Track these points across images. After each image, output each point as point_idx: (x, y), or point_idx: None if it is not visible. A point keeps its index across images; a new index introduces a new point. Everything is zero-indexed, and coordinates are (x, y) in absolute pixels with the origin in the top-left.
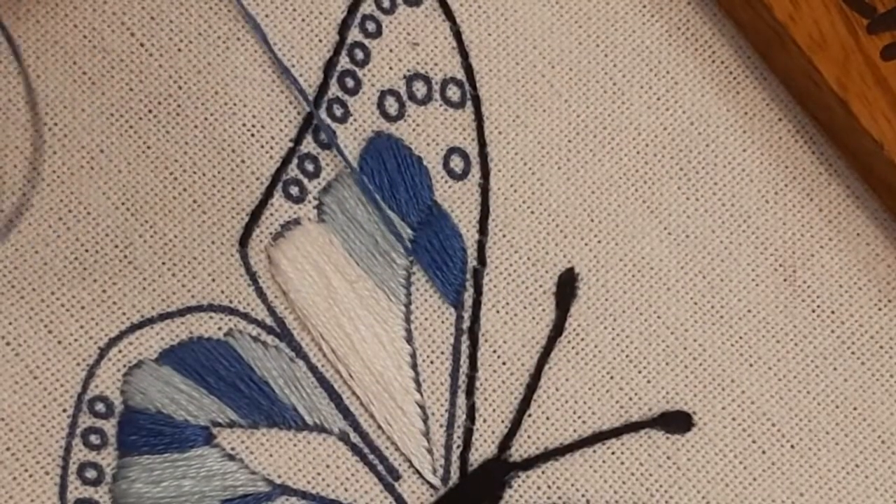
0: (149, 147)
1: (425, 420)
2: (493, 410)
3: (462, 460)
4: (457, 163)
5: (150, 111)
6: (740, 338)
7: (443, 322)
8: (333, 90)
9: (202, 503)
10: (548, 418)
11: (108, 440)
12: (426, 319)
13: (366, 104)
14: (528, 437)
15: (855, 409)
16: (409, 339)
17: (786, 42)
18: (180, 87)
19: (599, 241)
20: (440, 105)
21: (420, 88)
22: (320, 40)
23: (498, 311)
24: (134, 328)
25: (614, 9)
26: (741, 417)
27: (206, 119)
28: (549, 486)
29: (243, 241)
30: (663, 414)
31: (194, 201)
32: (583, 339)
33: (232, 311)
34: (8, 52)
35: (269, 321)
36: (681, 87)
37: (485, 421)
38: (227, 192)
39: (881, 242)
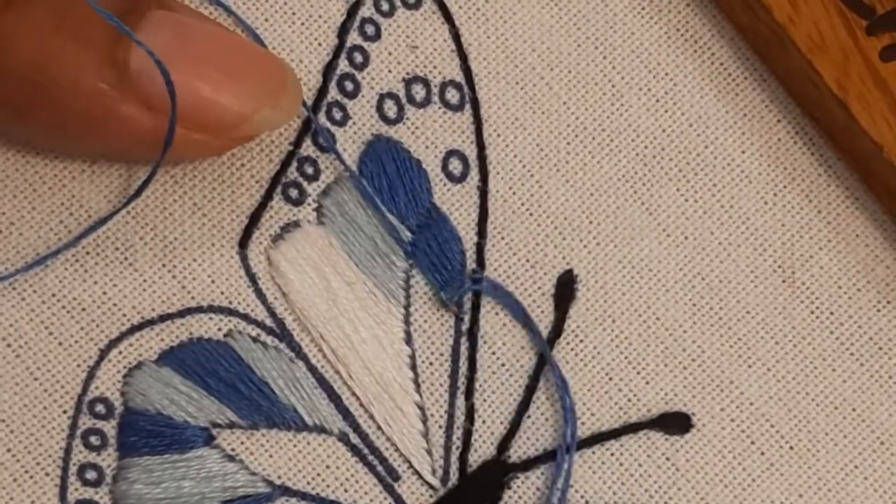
0: None
1: (424, 421)
2: (492, 412)
3: (461, 461)
4: (455, 165)
5: None
6: (739, 339)
7: (442, 324)
8: (332, 93)
9: None
10: (546, 420)
11: (108, 441)
12: (425, 321)
13: (365, 107)
14: (527, 438)
15: (854, 410)
16: (409, 341)
17: (785, 43)
18: None
19: (598, 244)
20: (439, 108)
21: (419, 91)
22: (319, 44)
23: (497, 314)
24: (134, 329)
25: (613, 11)
26: (740, 419)
27: None
28: (547, 488)
29: (243, 243)
30: (662, 415)
31: (194, 203)
32: (581, 341)
33: (232, 313)
34: None
35: (268, 322)
36: (680, 89)
37: (484, 422)
38: (227, 195)
39: (880, 244)
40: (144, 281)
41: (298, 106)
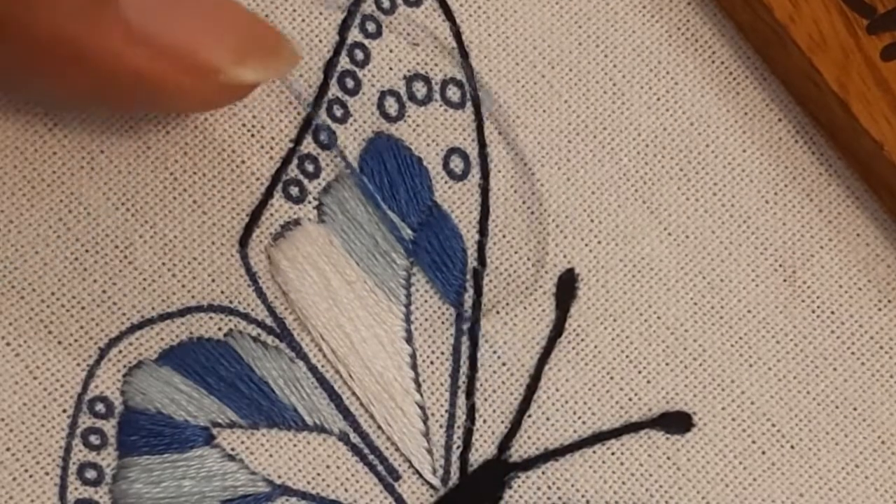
0: (149, 147)
1: (425, 420)
2: (493, 411)
3: (462, 461)
4: (457, 163)
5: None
6: (740, 338)
7: (443, 323)
8: (333, 90)
9: (202, 503)
10: (548, 419)
11: (108, 440)
12: (426, 320)
13: (366, 105)
14: (528, 437)
15: (855, 409)
16: (409, 340)
17: (786, 43)
18: None
19: (599, 242)
20: (440, 105)
21: (420, 89)
22: (320, 41)
23: (498, 312)
24: (134, 328)
25: (614, 9)
26: (741, 418)
27: (205, 119)
28: (548, 487)
29: (243, 242)
30: (663, 414)
31: (194, 201)
32: (583, 340)
33: (232, 312)
34: None
35: (269, 322)
36: (681, 87)
37: (485, 421)
38: (227, 193)
39: (881, 243)
40: (144, 280)
41: (291, 63)
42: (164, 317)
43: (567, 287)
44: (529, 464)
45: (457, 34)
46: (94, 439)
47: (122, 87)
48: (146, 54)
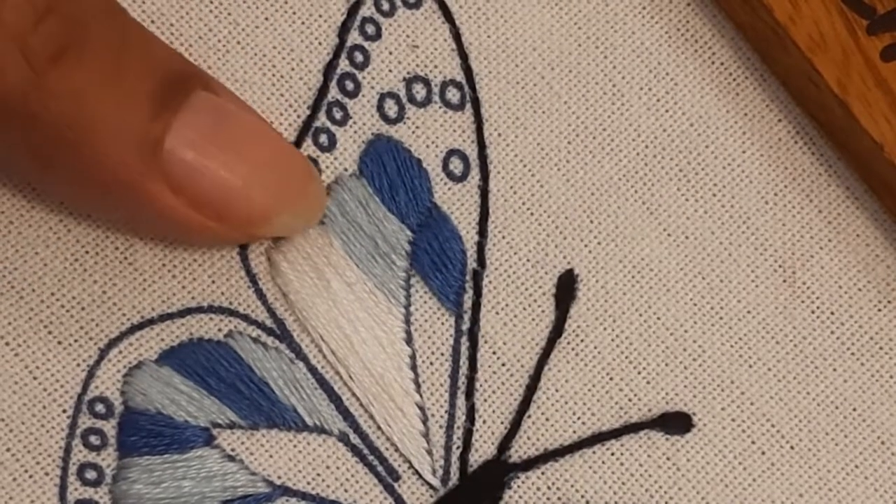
0: None
1: (425, 421)
2: (493, 411)
3: (462, 461)
4: (456, 165)
5: None
6: (740, 339)
7: (442, 324)
8: (333, 93)
9: None
10: (547, 419)
11: (108, 441)
12: (426, 321)
13: (365, 107)
14: (528, 438)
15: (854, 409)
16: (409, 341)
17: (785, 43)
18: None
19: (599, 243)
20: (440, 107)
21: (419, 91)
22: (320, 43)
23: (497, 313)
24: (134, 329)
25: (613, 10)
26: (741, 418)
27: None
28: (548, 487)
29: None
30: (663, 415)
31: None
32: (582, 341)
33: (232, 313)
34: None
35: (269, 323)
36: (680, 88)
37: (484, 422)
38: None
39: (881, 243)
40: (144, 280)
41: (318, 212)
42: (164, 317)
43: (566, 288)
44: (529, 464)
45: (456, 36)
46: (94, 440)
47: (161, 227)
48: (182, 203)
